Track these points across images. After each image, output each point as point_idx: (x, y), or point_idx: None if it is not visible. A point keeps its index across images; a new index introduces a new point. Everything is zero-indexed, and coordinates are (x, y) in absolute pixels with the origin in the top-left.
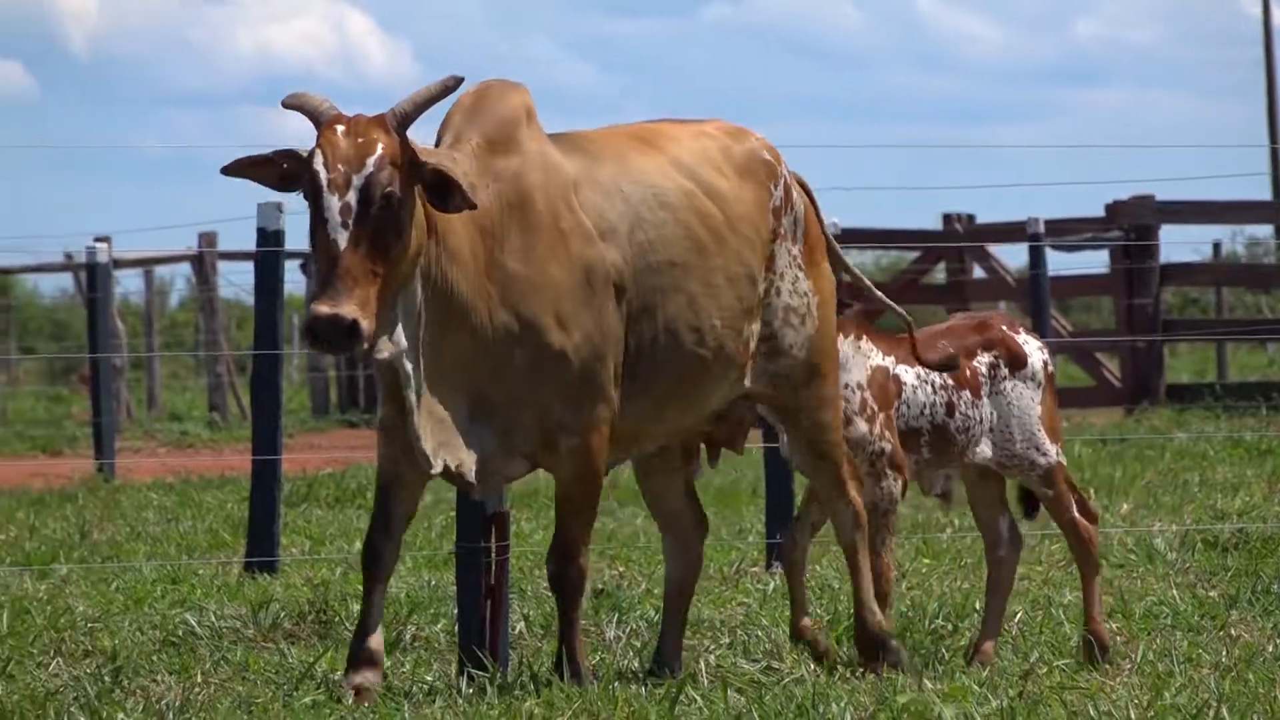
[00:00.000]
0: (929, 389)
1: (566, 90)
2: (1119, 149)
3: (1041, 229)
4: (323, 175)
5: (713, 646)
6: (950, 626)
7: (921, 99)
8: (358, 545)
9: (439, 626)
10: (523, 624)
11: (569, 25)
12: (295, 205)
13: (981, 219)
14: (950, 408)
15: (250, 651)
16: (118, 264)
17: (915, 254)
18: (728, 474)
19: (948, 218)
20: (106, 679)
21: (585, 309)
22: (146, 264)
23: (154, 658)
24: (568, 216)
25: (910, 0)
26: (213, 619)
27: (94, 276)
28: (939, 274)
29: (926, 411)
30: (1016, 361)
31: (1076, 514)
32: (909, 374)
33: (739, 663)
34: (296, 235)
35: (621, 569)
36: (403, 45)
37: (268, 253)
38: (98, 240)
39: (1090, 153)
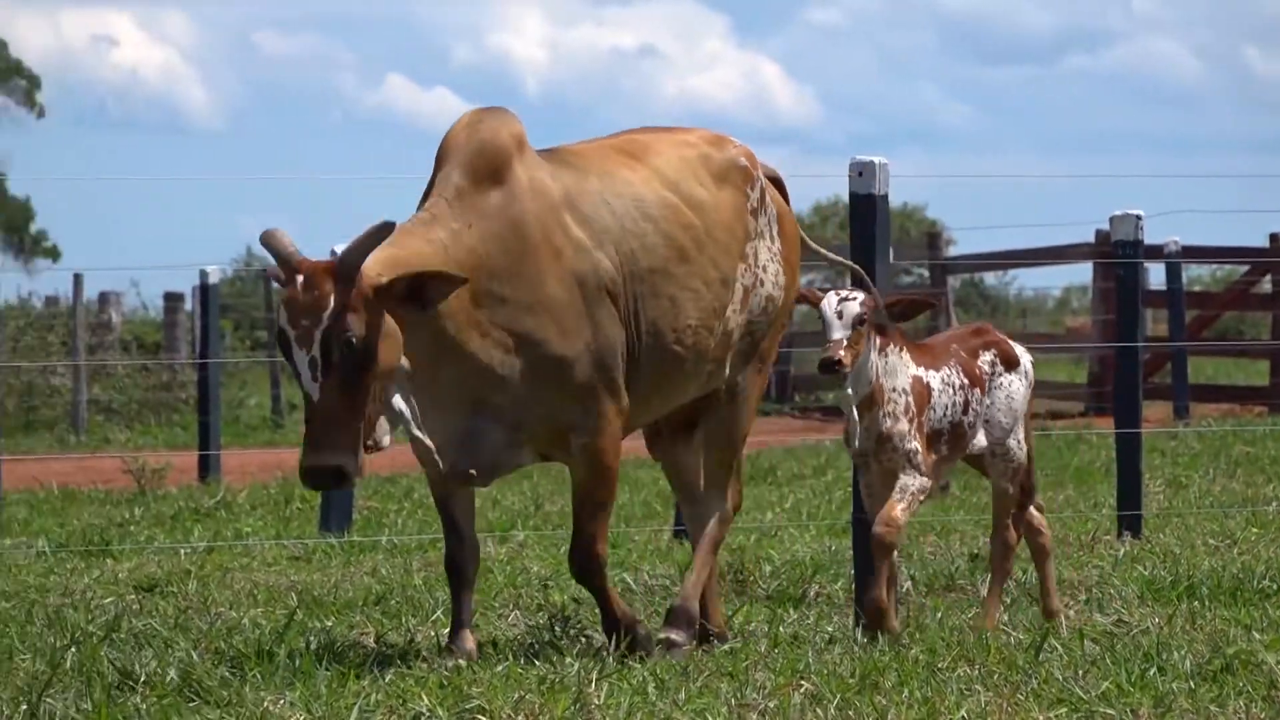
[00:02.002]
0: (950, 391)
1: (947, 129)
2: None
3: None
4: (289, 332)
5: (1071, 603)
6: (1275, 586)
7: (1246, 134)
8: (769, 516)
9: (838, 585)
10: (909, 583)
11: (949, 71)
12: None
13: None
14: (966, 405)
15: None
16: None
17: (1245, 268)
18: (1084, 454)
19: (1274, 236)
20: (556, 629)
21: (583, 319)
22: None
23: (596, 611)
24: (559, 234)
25: (1238, 50)
26: (646, 578)
27: None
28: (1265, 285)
29: (948, 413)
30: (1009, 360)
31: (1010, 522)
32: (935, 379)
33: (1095, 617)
34: None
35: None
36: (806, 90)
37: None
38: None
39: None
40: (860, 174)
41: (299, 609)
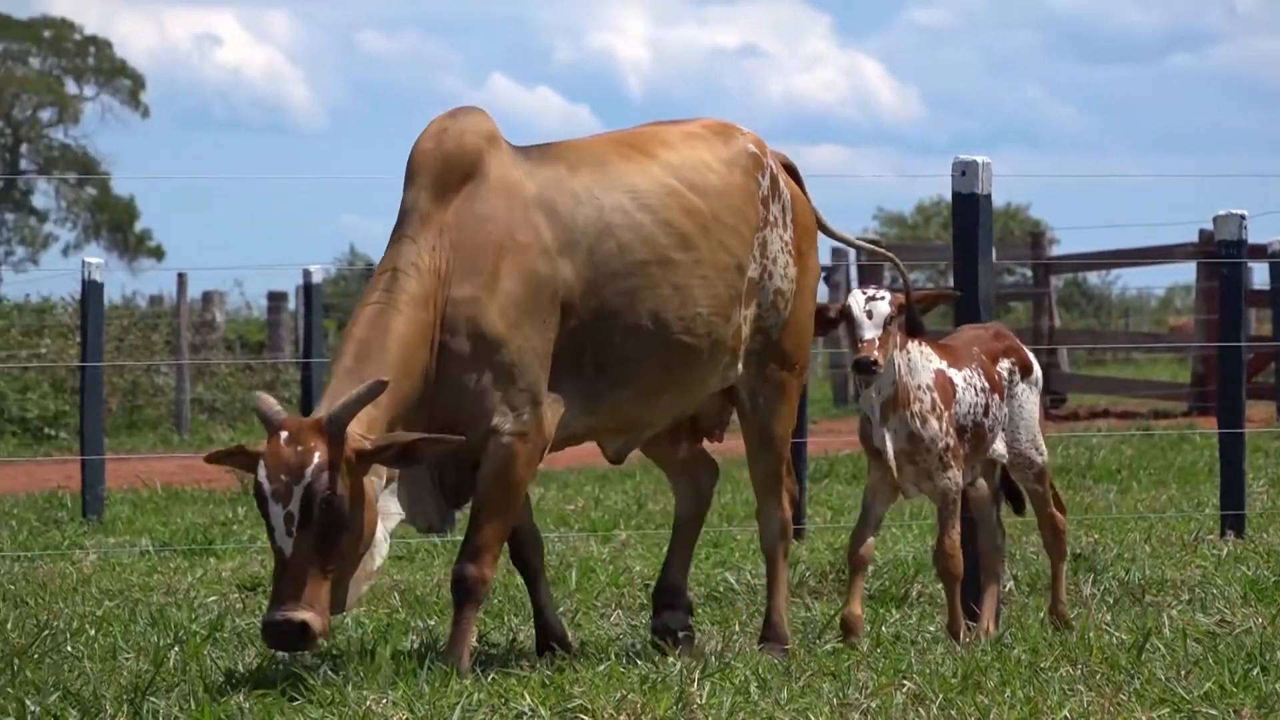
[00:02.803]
0: (973, 391)
1: (1050, 129)
2: None
3: None
4: (266, 486)
5: (1174, 603)
6: None
7: None
8: None
9: (941, 585)
10: (1011, 583)
11: (1052, 71)
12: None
13: None
14: (986, 408)
15: None
16: None
17: None
18: (1187, 454)
19: None
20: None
21: (529, 319)
22: None
23: (699, 610)
24: (525, 232)
25: None
26: (749, 578)
27: None
28: None
29: (971, 411)
30: (1026, 368)
31: (1054, 509)
32: (958, 376)
33: (1197, 617)
34: (821, 252)
35: (1096, 536)
36: (909, 89)
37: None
38: None
39: None
40: (963, 173)
41: (401, 608)
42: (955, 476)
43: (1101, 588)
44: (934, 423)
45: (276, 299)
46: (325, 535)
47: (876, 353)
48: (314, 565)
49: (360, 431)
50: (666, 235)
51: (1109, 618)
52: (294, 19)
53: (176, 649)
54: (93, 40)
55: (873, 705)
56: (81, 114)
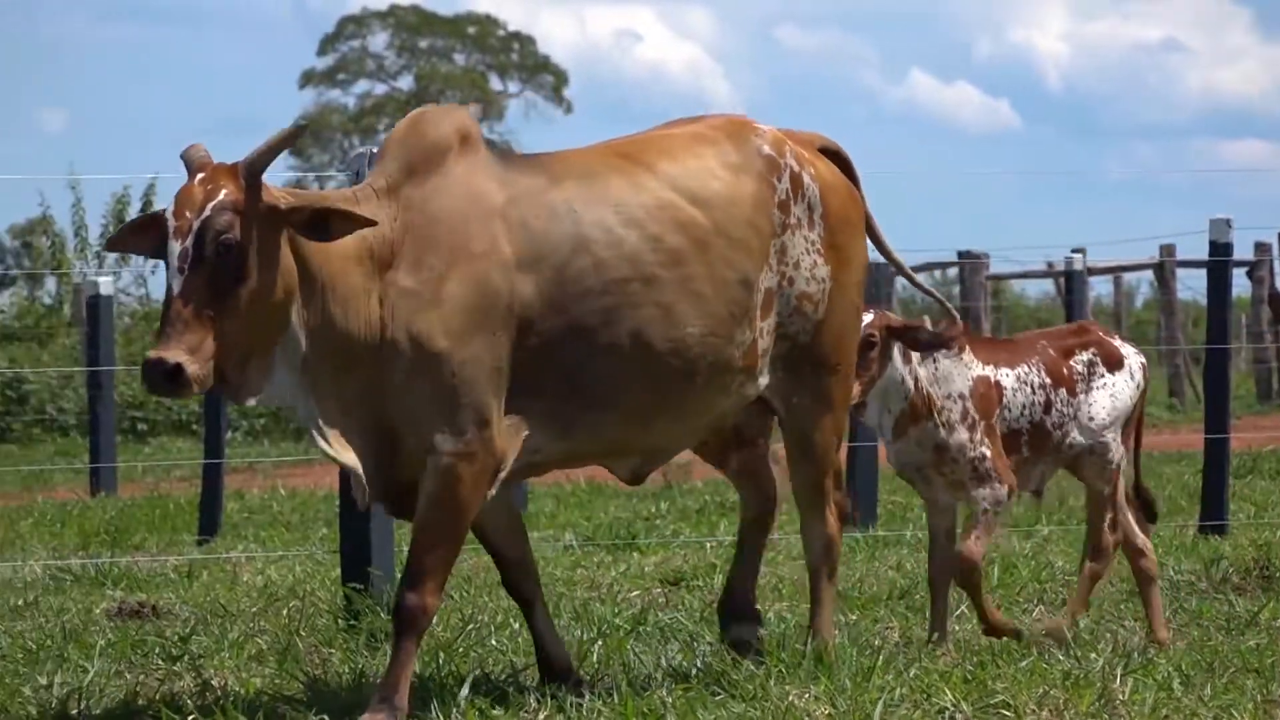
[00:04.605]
0: (1028, 390)
1: None
2: None
3: None
4: (171, 223)
5: None
6: None
7: None
8: None
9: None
10: None
11: None
12: (1242, 220)
13: None
14: (1048, 405)
15: (1203, 601)
16: (1091, 271)
17: None
18: None
19: None
20: (1081, 623)
21: (477, 331)
22: (1116, 271)
23: (1121, 606)
24: (483, 241)
25: None
26: (1170, 573)
27: (1071, 282)
28: None
29: (1026, 412)
30: (1112, 361)
31: (1107, 526)
32: (1009, 378)
33: None
34: (1243, 246)
35: None
36: None
37: (1218, 261)
38: (1074, 251)
39: None
40: None
41: None
42: (993, 490)
43: None
44: (962, 431)
45: None
46: (218, 279)
47: None
48: (203, 309)
49: (277, 198)
50: (654, 252)
51: None
52: (713, 14)
53: (600, 643)
54: (516, 37)
55: None
56: (505, 110)
